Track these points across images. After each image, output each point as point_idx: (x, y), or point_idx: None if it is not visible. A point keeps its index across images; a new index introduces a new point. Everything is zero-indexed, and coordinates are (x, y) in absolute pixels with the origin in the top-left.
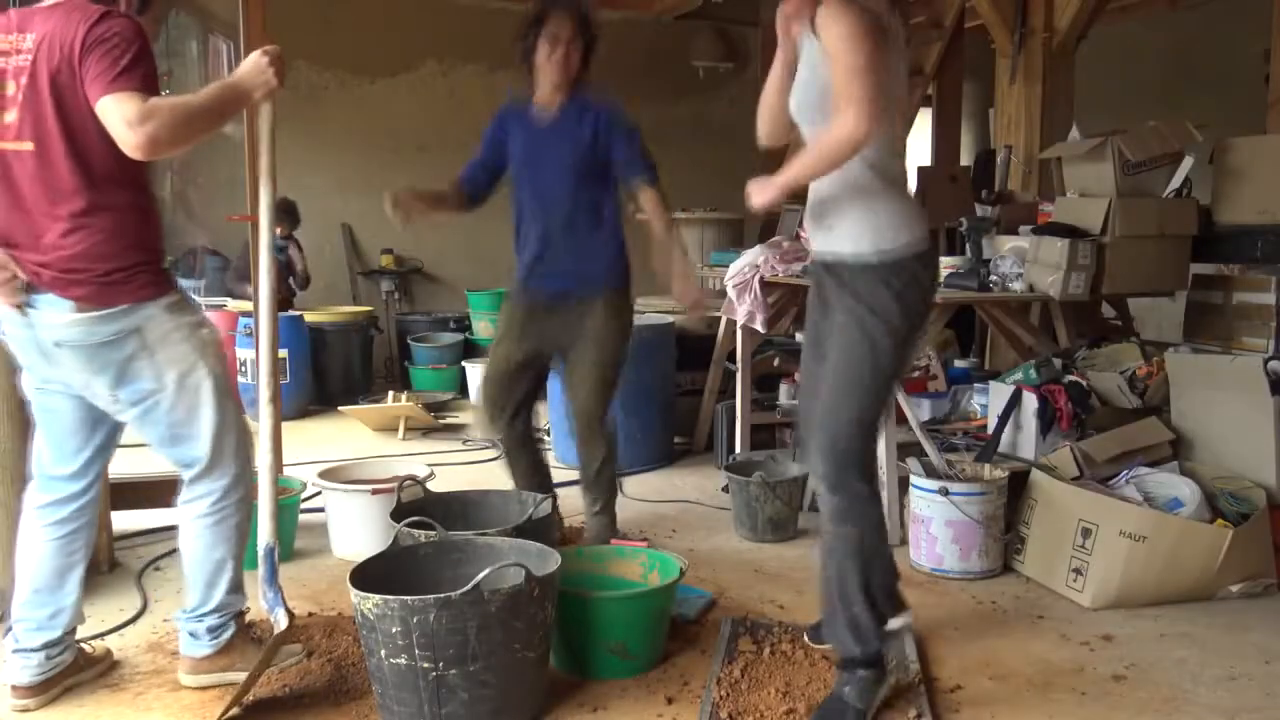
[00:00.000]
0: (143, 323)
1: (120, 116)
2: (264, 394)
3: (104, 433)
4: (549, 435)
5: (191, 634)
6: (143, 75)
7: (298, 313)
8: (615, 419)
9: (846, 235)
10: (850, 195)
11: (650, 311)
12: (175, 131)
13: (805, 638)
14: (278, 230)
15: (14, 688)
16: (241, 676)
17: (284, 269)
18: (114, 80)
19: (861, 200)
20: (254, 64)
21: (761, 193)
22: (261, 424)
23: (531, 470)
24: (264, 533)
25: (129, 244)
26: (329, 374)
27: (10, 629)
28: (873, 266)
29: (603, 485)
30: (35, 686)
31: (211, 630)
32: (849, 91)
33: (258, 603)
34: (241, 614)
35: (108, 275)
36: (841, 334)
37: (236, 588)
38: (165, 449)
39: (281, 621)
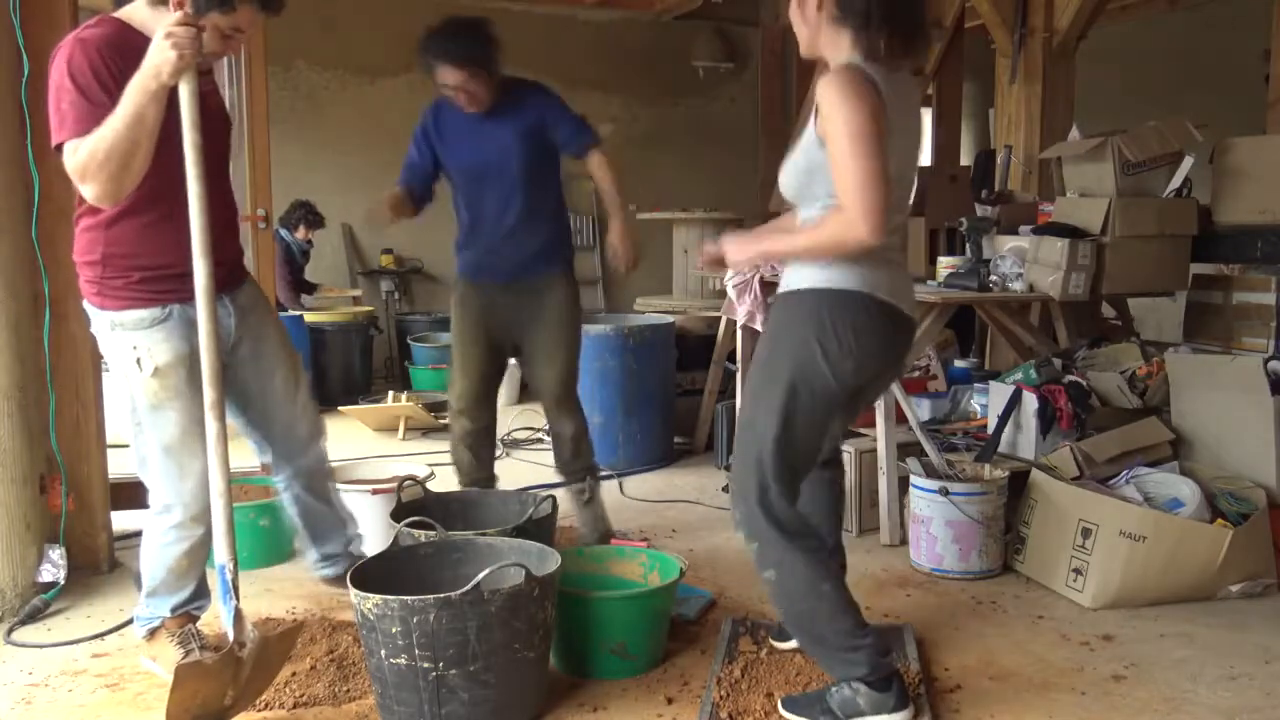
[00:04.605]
0: (95, 324)
1: (70, 173)
2: (208, 396)
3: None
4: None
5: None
6: (74, 120)
7: (298, 313)
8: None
9: (792, 275)
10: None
11: (650, 311)
12: (110, 177)
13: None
14: (300, 234)
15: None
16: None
17: (300, 271)
18: (55, 135)
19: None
20: (154, 42)
21: (741, 252)
22: (208, 432)
23: (489, 459)
24: (220, 550)
25: (97, 251)
26: (329, 374)
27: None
28: (786, 295)
29: (584, 461)
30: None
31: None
32: (854, 198)
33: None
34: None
35: (79, 269)
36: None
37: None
38: None
39: (229, 634)
